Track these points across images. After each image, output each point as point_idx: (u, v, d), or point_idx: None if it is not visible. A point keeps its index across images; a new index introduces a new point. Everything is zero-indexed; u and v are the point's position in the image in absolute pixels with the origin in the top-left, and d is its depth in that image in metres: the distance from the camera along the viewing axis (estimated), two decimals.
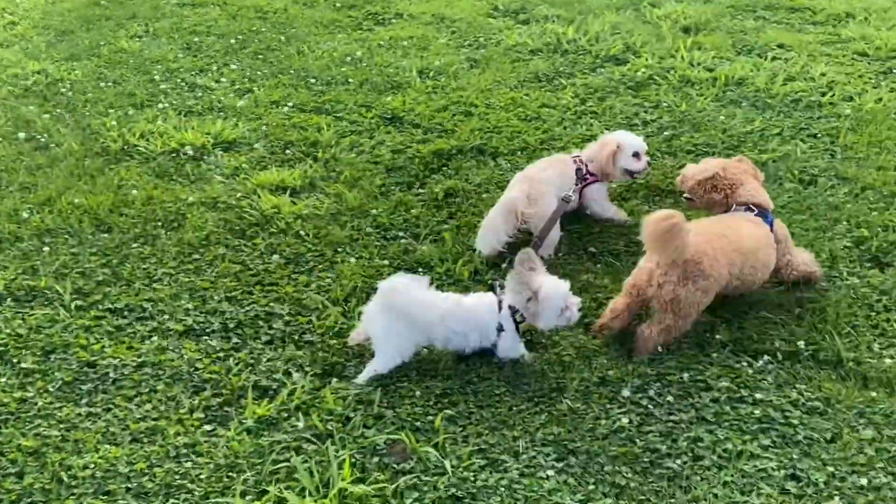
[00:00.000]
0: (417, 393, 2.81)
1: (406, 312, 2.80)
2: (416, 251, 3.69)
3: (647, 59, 6.04)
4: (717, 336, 3.14)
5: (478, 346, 2.95)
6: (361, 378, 2.88)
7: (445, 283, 3.44)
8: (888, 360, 2.94)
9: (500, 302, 2.93)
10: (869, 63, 5.96)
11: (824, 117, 5.05)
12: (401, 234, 3.86)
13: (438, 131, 4.95)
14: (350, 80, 5.77)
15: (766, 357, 3.01)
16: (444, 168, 4.52)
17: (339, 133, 4.91)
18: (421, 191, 4.29)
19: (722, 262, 2.99)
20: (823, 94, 5.37)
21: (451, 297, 2.99)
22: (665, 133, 4.93)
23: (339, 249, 3.71)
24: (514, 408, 2.75)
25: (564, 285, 2.85)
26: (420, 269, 3.54)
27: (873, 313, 3.29)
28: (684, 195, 3.67)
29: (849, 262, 3.63)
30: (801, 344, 3.06)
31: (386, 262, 3.60)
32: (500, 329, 2.90)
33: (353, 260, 3.61)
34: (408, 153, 4.64)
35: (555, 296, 2.80)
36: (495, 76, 5.85)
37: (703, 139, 4.82)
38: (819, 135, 4.82)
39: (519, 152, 4.70)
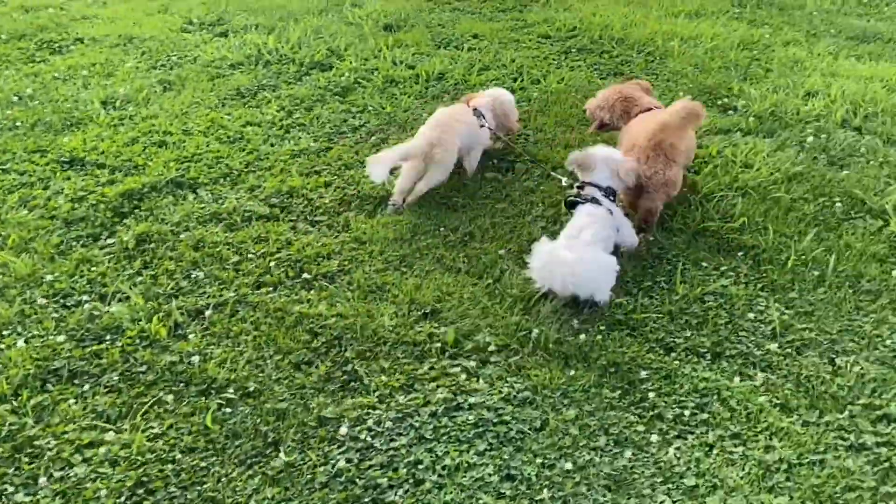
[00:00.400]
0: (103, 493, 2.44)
1: None
2: (101, 315, 3.24)
3: (351, 62, 5.98)
4: (437, 343, 3.13)
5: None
6: None
7: (139, 346, 3.08)
8: (582, 336, 3.11)
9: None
10: (552, 44, 6.43)
11: (517, 102, 5.34)
12: (84, 297, 3.38)
13: (127, 169, 4.44)
14: (19, 123, 5.01)
15: (479, 355, 3.05)
16: (136, 210, 4.05)
17: (6, 189, 4.22)
18: (109, 241, 3.80)
19: (681, 149, 3.81)
20: (515, 80, 5.68)
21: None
22: (373, 138, 4.88)
23: (5, 332, 3.15)
24: (223, 478, 2.49)
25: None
26: (108, 336, 3.13)
27: None
28: (598, 122, 4.49)
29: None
30: (510, 334, 3.15)
31: (64, 336, 3.11)
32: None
33: (21, 343, 3.08)
34: (91, 200, 4.09)
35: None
36: (192, 97, 5.43)
37: (409, 138, 4.85)
38: (521, 119, 5.09)
39: (222, 179, 4.37)
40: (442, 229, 3.90)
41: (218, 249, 3.72)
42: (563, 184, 4.06)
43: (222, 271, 3.57)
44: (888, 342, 3.10)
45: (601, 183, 3.61)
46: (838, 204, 3.98)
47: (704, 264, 3.60)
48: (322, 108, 5.29)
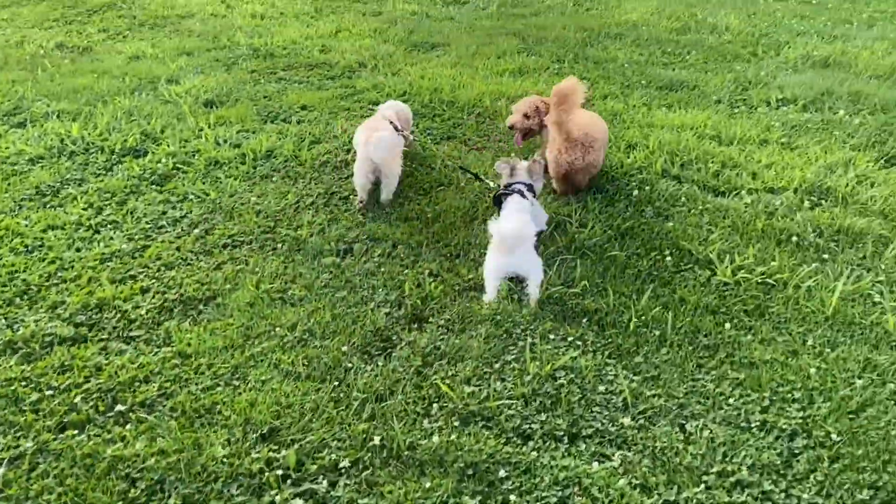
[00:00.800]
0: None
1: None
2: None
3: (168, 146, 5.58)
4: (277, 471, 2.82)
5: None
6: None
7: None
8: (436, 438, 2.92)
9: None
10: None
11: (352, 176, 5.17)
12: None
13: None
14: None
15: (327, 476, 2.79)
16: None
17: None
18: None
19: (601, 139, 4.76)
20: (348, 152, 5.52)
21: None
22: (196, 230, 4.51)
23: None
24: None
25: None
26: None
27: None
28: (519, 132, 5.17)
29: None
30: (359, 446, 2.92)
31: None
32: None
33: None
34: None
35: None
36: None
37: (238, 228, 4.53)
38: (354, 195, 4.90)
39: (17, 299, 3.84)
40: (278, 329, 3.61)
41: (12, 388, 3.21)
42: (491, 187, 4.69)
43: (18, 415, 3.08)
44: (731, 400, 3.14)
45: (524, 181, 4.39)
46: (668, 258, 4.09)
47: (552, 336, 3.54)
48: (137, 201, 4.86)
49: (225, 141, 5.68)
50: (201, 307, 3.83)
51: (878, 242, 4.24)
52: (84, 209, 4.76)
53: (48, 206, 4.82)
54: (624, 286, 3.87)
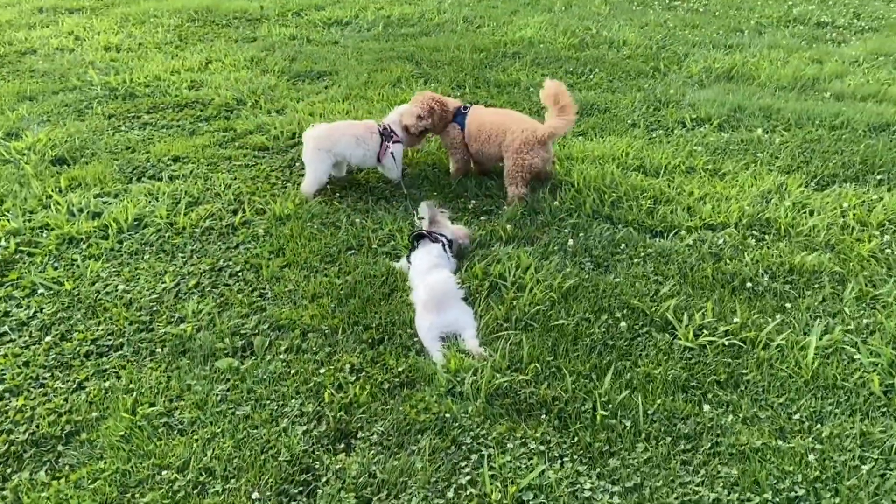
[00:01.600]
0: None
1: None
2: None
3: (9, 222, 4.61)
4: None
5: None
6: None
7: None
8: None
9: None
10: (272, 158, 5.62)
11: (245, 243, 4.41)
12: None
13: None
14: None
15: None
16: None
17: None
18: None
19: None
20: (236, 213, 4.76)
21: None
22: (49, 336, 3.64)
23: None
24: None
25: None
26: None
27: None
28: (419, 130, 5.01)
29: None
30: None
31: None
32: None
33: None
34: None
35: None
36: None
37: (103, 328, 3.69)
38: (245, 268, 4.15)
39: None
40: (164, 473, 2.85)
41: None
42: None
43: None
44: None
45: (448, 235, 4.19)
46: (623, 323, 3.62)
47: (509, 443, 2.96)
48: None
49: (81, 210, 4.76)
50: (60, 448, 3.00)
51: (834, 281, 3.95)
52: None
53: None
54: (580, 363, 3.35)
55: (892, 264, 4.09)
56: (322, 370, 3.35)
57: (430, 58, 7.72)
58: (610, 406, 3.11)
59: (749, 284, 3.90)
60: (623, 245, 4.27)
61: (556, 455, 2.92)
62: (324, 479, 2.82)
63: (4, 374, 3.39)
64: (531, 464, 2.86)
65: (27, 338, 3.64)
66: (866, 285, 3.90)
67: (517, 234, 4.39)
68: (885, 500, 2.75)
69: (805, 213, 4.58)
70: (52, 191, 4.99)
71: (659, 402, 3.14)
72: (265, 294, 3.92)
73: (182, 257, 4.27)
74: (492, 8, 9.68)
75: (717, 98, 6.34)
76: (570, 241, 4.28)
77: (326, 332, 3.60)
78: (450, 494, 2.75)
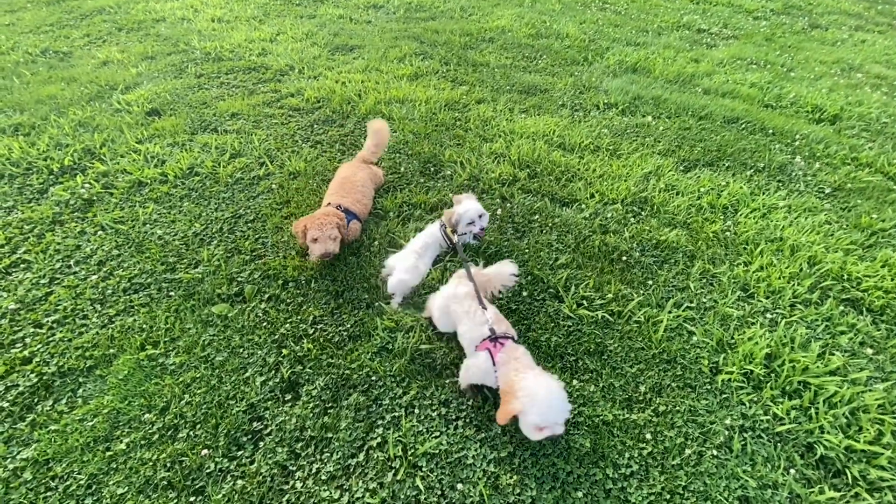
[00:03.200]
0: None
1: None
2: None
3: (102, 165, 3.41)
4: None
5: None
6: None
7: None
8: None
9: None
10: (301, 116, 4.20)
11: (262, 194, 3.22)
12: None
13: None
14: None
15: None
16: None
17: None
18: None
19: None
20: (262, 166, 3.50)
21: None
22: (101, 272, 2.62)
23: None
24: None
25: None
26: None
27: None
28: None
29: None
30: None
31: None
32: None
33: None
34: None
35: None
36: None
37: (139, 267, 2.64)
38: (257, 217, 3.01)
39: None
40: (146, 416, 1.96)
41: None
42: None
43: None
44: (581, 482, 1.77)
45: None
46: (524, 292, 2.53)
47: (417, 407, 2.01)
48: (55, 234, 2.84)
49: (153, 157, 3.52)
50: (80, 380, 2.10)
51: (686, 258, 2.77)
52: (3, 243, 2.74)
53: None
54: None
55: (730, 245, 2.88)
56: (290, 320, 2.34)
57: (430, 38, 5.84)
58: None
59: (624, 258, 2.74)
60: (537, 215, 3.04)
61: (453, 418, 1.98)
62: (268, 430, 1.93)
63: (60, 304, 2.42)
64: (433, 426, 1.94)
65: (85, 272, 2.62)
66: (708, 263, 2.74)
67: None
68: (699, 480, 1.82)
69: (673, 193, 3.26)
70: (140, 138, 3.71)
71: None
72: (266, 243, 2.82)
73: (214, 203, 3.11)
74: (482, 0, 7.40)
75: (623, 87, 4.66)
76: (500, 211, 3.06)
77: (302, 283, 2.55)
78: (361, 457, 1.85)
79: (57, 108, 4.16)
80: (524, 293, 2.50)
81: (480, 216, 2.57)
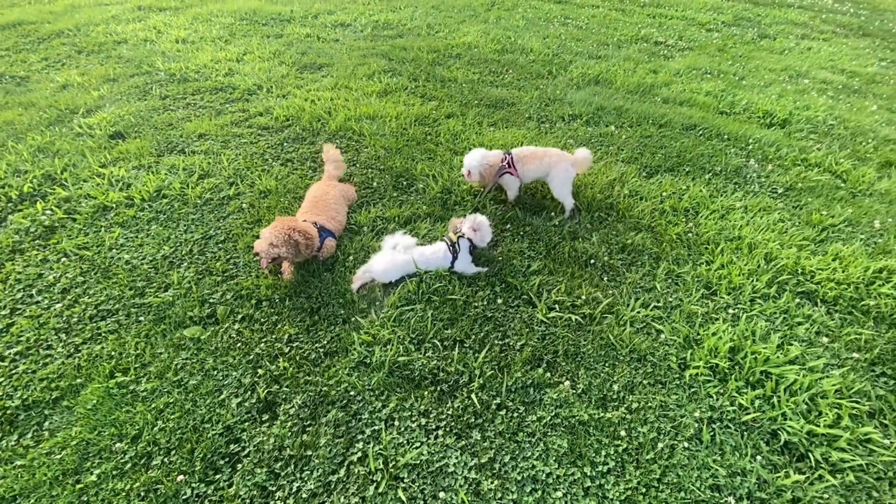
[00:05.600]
0: None
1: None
2: None
3: (63, 191, 3.36)
4: None
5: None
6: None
7: None
8: None
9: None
10: (271, 134, 4.24)
11: (233, 214, 3.23)
12: None
13: None
14: None
15: None
16: None
17: None
18: None
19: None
20: (232, 184, 3.51)
21: None
22: (65, 300, 2.57)
23: None
24: None
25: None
26: None
27: None
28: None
29: None
30: None
31: None
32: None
33: None
34: None
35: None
36: None
37: (107, 293, 2.61)
38: (228, 237, 3.01)
39: None
40: (118, 445, 1.93)
41: None
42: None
43: None
44: (560, 483, 1.84)
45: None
46: (499, 299, 2.62)
47: (396, 420, 2.06)
48: (15, 263, 2.78)
49: (118, 181, 3.50)
50: (46, 412, 2.06)
51: (651, 259, 2.93)
52: None
53: None
54: (465, 334, 2.39)
55: (693, 246, 3.06)
56: (265, 339, 2.36)
57: (399, 55, 6.00)
58: (482, 381, 2.20)
59: (593, 261, 2.88)
60: (509, 224, 3.16)
61: (433, 427, 2.04)
62: (246, 452, 1.93)
63: (22, 336, 2.36)
64: (413, 437, 1.98)
65: (48, 300, 2.57)
66: (672, 264, 2.90)
67: (434, 212, 3.25)
68: (672, 472, 1.92)
69: (637, 198, 3.45)
70: (102, 162, 3.67)
71: (518, 374, 2.23)
72: (238, 263, 2.83)
73: (183, 225, 3.11)
74: (448, 17, 7.65)
75: (586, 98, 4.89)
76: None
77: (276, 301, 2.57)
78: (342, 472, 1.88)
79: (14, 133, 4.08)
80: (499, 300, 2.59)
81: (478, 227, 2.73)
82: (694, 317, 2.55)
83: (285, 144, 4.03)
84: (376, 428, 2.01)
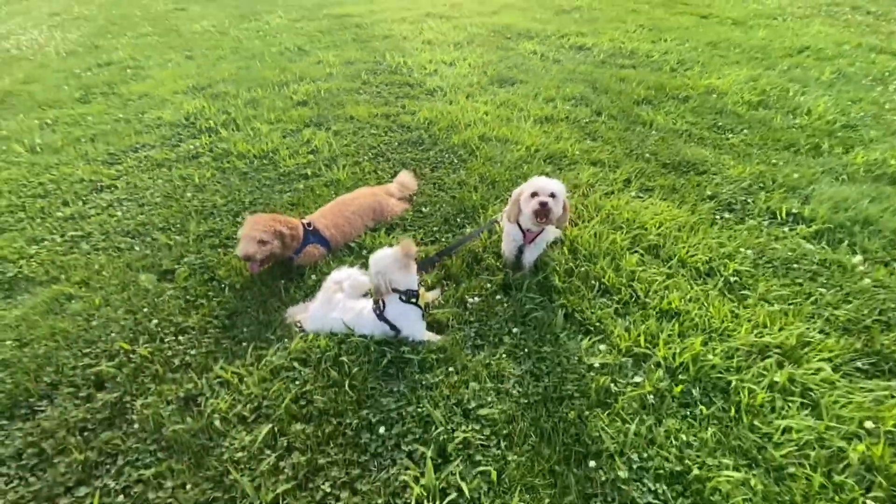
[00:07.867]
0: None
1: None
2: None
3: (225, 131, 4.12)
4: None
5: None
6: None
7: None
8: None
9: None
10: (401, 133, 4.10)
11: (292, 189, 3.23)
12: None
13: None
14: None
15: None
16: None
17: None
18: None
19: None
20: (328, 166, 3.55)
21: None
22: None
23: None
24: None
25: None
26: None
27: None
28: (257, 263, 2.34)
29: None
30: None
31: None
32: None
33: None
34: None
35: None
36: None
37: None
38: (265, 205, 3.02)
39: None
40: None
41: None
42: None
43: None
44: None
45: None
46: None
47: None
48: None
49: (264, 137, 4.02)
50: None
51: None
52: None
53: None
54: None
55: None
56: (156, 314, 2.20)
57: (606, 85, 4.90)
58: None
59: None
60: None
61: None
62: None
63: None
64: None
65: None
66: None
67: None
68: None
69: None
70: (271, 120, 4.32)
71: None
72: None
73: (251, 184, 3.30)
74: (718, 56, 5.90)
75: (840, 197, 2.78)
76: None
77: (206, 341, 2.38)
78: None
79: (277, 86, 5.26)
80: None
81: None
82: None
83: (400, 145, 3.87)
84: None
